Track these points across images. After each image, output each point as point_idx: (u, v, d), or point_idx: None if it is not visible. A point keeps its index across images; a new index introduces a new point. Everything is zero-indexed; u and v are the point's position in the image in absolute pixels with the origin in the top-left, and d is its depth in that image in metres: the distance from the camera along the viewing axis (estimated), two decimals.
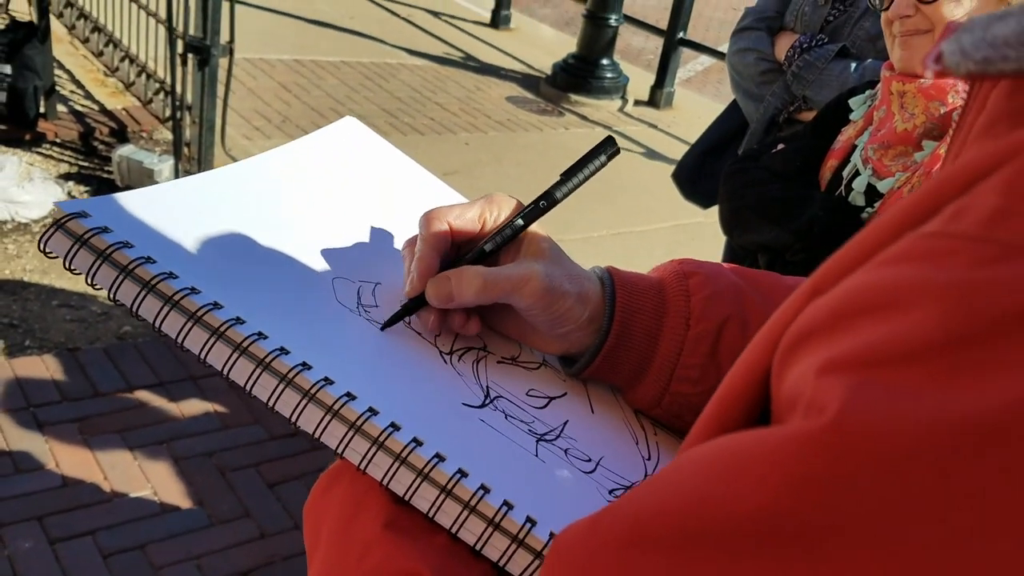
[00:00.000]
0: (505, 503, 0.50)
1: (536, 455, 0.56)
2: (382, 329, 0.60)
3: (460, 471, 0.50)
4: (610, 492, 0.57)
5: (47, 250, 0.54)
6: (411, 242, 0.62)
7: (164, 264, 0.55)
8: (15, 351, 2.70)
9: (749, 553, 0.25)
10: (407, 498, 0.50)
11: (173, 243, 0.58)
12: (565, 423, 0.60)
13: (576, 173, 0.64)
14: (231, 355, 0.52)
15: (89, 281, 0.54)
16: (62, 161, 3.83)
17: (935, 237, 0.26)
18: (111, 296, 0.54)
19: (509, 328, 0.64)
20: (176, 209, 0.61)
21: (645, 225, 4.28)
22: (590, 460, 0.58)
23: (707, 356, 0.60)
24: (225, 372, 0.53)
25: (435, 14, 7.33)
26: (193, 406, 2.58)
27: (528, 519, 0.50)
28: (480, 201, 0.62)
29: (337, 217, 0.68)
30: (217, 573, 2.08)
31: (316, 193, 0.69)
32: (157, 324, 0.53)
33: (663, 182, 3.56)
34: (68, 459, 2.31)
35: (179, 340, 0.53)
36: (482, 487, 0.50)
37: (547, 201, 0.63)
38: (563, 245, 0.64)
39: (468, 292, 0.58)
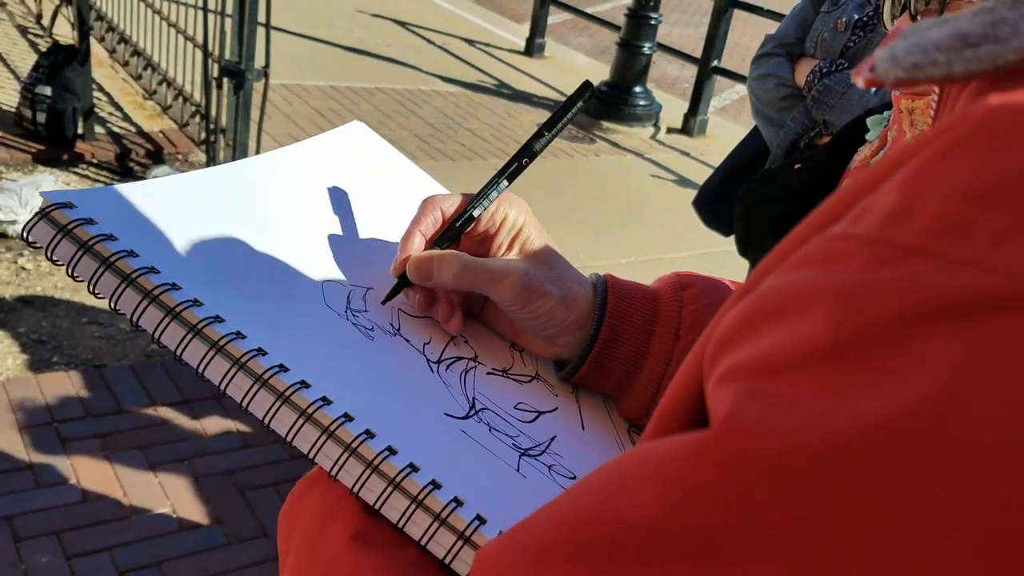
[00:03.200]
0: (478, 517, 0.48)
1: (517, 470, 0.55)
2: (382, 303, 0.61)
3: (433, 482, 0.49)
4: None
5: (30, 239, 0.54)
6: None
7: (148, 259, 0.54)
8: (42, 367, 2.73)
9: (636, 568, 0.24)
10: (376, 507, 0.48)
11: (162, 239, 0.57)
12: (552, 439, 0.59)
13: (555, 125, 0.64)
14: (207, 353, 0.51)
15: (70, 272, 0.53)
16: (98, 181, 3.90)
17: (837, 239, 0.25)
18: (91, 289, 0.53)
19: (503, 327, 0.64)
20: (170, 205, 0.60)
21: (674, 252, 4.24)
22: (574, 477, 0.56)
23: None
24: (200, 370, 0.51)
25: (470, 42, 7.40)
26: (215, 424, 2.58)
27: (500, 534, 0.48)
28: (473, 194, 0.63)
29: (334, 220, 0.67)
30: None
31: (315, 195, 0.68)
32: (135, 319, 0.52)
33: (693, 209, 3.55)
34: (89, 475, 2.32)
35: (155, 337, 0.52)
36: (455, 499, 0.48)
37: (528, 157, 0.63)
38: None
39: (446, 274, 0.58)
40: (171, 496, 2.30)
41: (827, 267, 0.24)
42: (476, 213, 0.61)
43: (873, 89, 1.79)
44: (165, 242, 0.57)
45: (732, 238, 2.40)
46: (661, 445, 0.26)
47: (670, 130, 6.05)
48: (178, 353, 0.52)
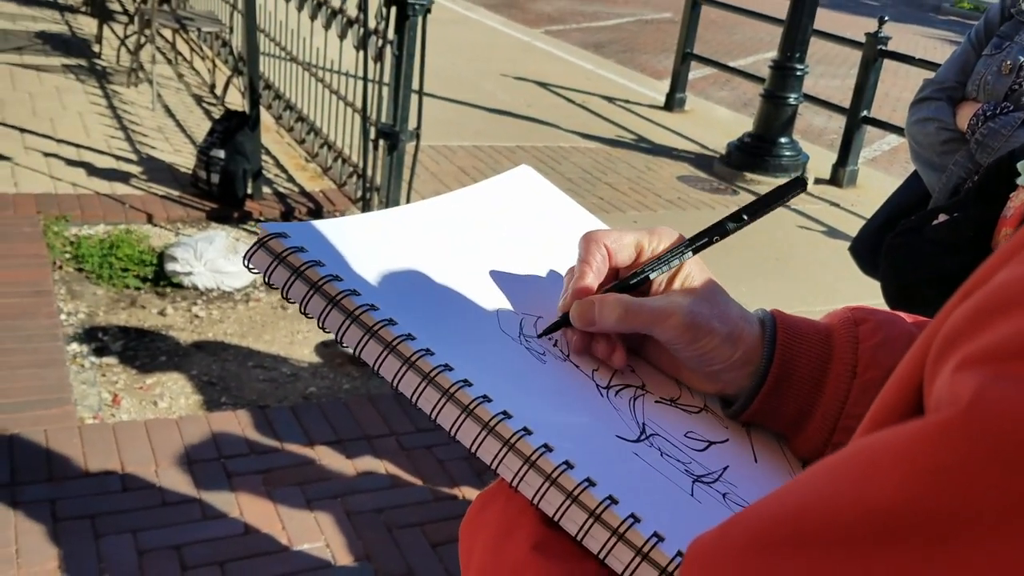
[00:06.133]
0: (655, 534, 0.49)
1: (692, 494, 0.55)
2: (539, 336, 0.63)
3: (610, 497, 0.50)
4: None
5: (250, 266, 0.60)
6: (572, 268, 0.64)
7: (349, 283, 0.59)
8: (212, 407, 2.93)
9: (879, 548, 0.24)
10: (556, 519, 0.50)
11: (359, 267, 0.62)
12: (725, 468, 0.58)
13: (758, 210, 0.63)
14: (400, 367, 0.56)
15: (284, 295, 0.59)
16: None
17: None
18: (302, 310, 0.59)
19: (663, 362, 0.64)
20: (363, 238, 0.66)
21: (825, 305, 4.10)
22: None
23: None
24: (395, 384, 0.56)
25: (610, 99, 7.50)
26: (366, 463, 2.68)
27: (679, 553, 0.48)
28: (643, 230, 0.63)
29: (507, 255, 0.71)
30: None
31: (490, 232, 0.73)
32: (339, 336, 0.58)
33: (845, 260, 3.45)
34: (251, 508, 2.45)
35: (358, 352, 0.57)
36: (632, 516, 0.49)
37: (719, 234, 0.62)
38: None
39: (608, 319, 0.58)
40: (325, 531, 2.40)
41: None
42: (653, 276, 0.61)
43: None
44: (363, 270, 0.62)
45: None
46: (895, 430, 0.26)
47: (818, 181, 5.89)
48: (376, 367, 0.57)
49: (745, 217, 0.63)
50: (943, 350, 0.28)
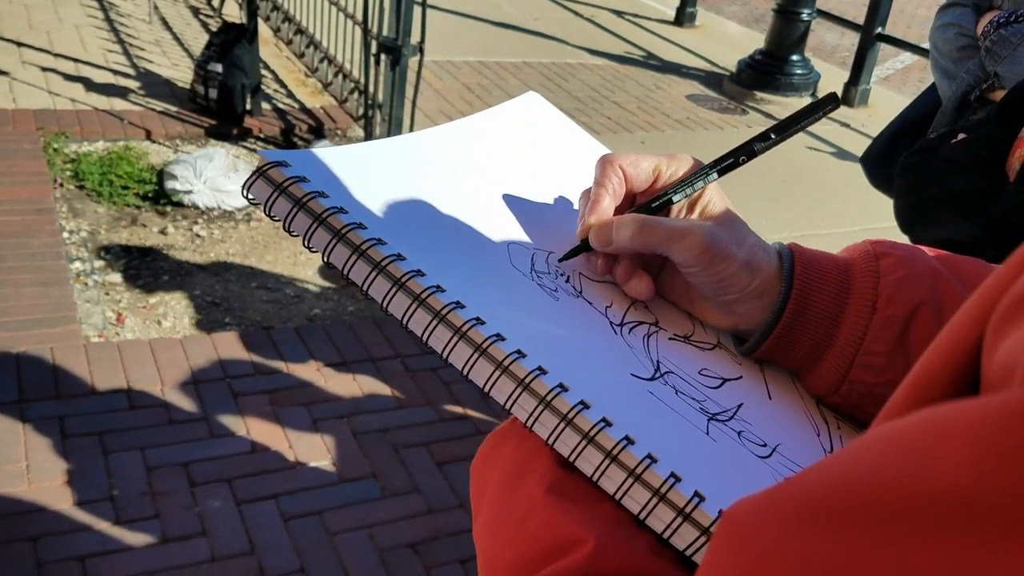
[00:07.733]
0: (672, 475, 0.48)
1: (707, 433, 0.54)
2: (560, 261, 0.61)
3: (627, 438, 0.49)
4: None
5: (249, 196, 0.57)
6: (587, 191, 0.62)
7: (354, 216, 0.57)
8: (216, 327, 2.93)
9: (944, 533, 0.22)
10: (571, 460, 0.49)
11: (364, 198, 0.60)
12: (739, 406, 0.58)
13: (786, 129, 0.60)
14: (410, 305, 0.54)
15: (286, 227, 0.57)
16: None
17: None
18: (305, 243, 0.56)
19: (677, 293, 0.62)
20: (367, 168, 0.63)
21: (832, 228, 4.07)
22: (766, 445, 0.55)
23: (894, 343, 0.55)
24: (405, 322, 0.54)
25: (619, 13, 7.30)
26: (371, 385, 2.70)
27: (696, 493, 0.48)
28: (661, 155, 0.61)
29: (516, 186, 0.69)
30: (387, 543, 2.17)
31: (498, 162, 0.70)
32: (346, 272, 0.56)
33: (854, 183, 3.38)
34: (257, 427, 2.48)
35: (365, 288, 0.55)
36: (649, 456, 0.49)
37: (746, 155, 0.60)
38: None
39: (624, 234, 0.57)
40: (331, 450, 2.43)
41: None
42: (676, 199, 0.60)
43: None
44: (366, 201, 0.60)
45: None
46: (973, 404, 0.24)
47: None
48: (384, 304, 0.55)
49: (773, 136, 0.61)
50: (1013, 310, 0.26)
